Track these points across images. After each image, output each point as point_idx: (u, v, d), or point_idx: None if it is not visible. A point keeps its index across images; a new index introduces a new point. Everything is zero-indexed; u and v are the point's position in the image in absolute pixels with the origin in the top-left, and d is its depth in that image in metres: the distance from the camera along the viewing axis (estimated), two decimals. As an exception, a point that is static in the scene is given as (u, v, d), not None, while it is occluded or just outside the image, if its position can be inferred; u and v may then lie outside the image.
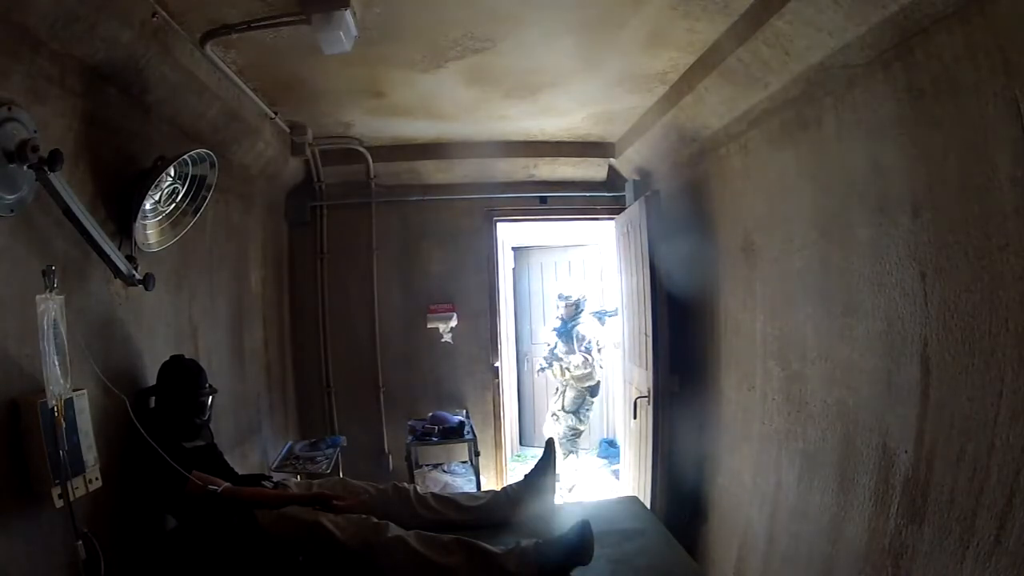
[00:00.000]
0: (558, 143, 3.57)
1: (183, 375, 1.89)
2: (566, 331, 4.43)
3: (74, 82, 1.57)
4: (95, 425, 1.51)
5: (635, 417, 3.16)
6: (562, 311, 4.49)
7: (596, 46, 2.18)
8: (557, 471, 2.13)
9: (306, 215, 3.72)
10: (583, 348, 4.30)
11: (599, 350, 4.46)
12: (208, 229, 2.47)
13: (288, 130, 2.99)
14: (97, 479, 1.50)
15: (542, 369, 4.56)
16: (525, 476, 2.08)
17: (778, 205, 2.13)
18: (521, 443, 5.49)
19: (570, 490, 4.32)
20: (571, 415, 4.38)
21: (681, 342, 2.96)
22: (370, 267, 3.79)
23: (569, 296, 4.53)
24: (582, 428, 4.46)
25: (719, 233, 2.64)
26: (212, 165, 1.97)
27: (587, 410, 4.46)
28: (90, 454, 1.48)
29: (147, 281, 1.79)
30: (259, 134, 2.74)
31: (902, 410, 1.50)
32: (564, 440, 4.35)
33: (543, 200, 3.93)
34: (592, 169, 3.79)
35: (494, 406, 3.97)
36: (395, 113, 2.92)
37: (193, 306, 2.34)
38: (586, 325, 4.45)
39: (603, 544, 1.61)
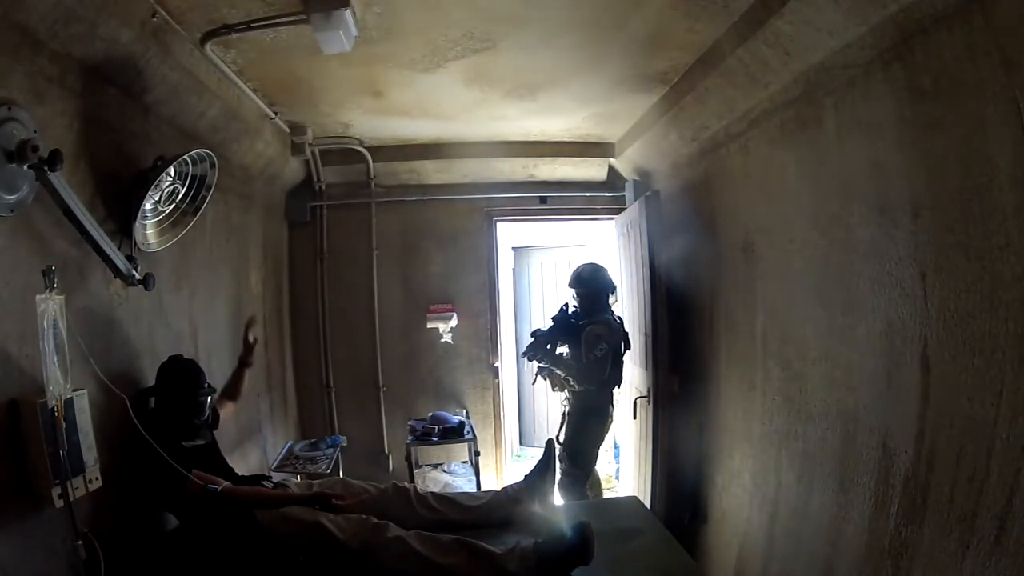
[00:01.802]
0: (558, 143, 3.57)
1: (181, 375, 1.89)
2: (575, 327, 2.96)
3: (74, 82, 1.57)
4: (95, 425, 1.52)
5: (635, 417, 3.16)
6: (579, 301, 3.04)
7: (596, 46, 2.18)
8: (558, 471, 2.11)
9: (306, 215, 3.72)
10: (597, 352, 2.80)
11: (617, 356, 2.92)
12: (208, 229, 2.47)
13: (288, 130, 3.00)
14: (97, 479, 1.50)
15: (534, 380, 3.17)
16: (525, 476, 2.08)
17: (778, 205, 2.13)
18: (521, 443, 5.49)
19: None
20: (565, 451, 2.89)
21: (681, 342, 2.96)
22: (370, 267, 3.79)
23: (593, 269, 3.04)
24: (577, 471, 2.92)
25: (719, 233, 2.64)
26: (212, 165, 1.97)
27: (592, 445, 2.95)
28: (90, 454, 1.48)
29: (147, 281, 1.79)
30: (259, 134, 2.74)
31: (902, 410, 1.50)
32: (560, 486, 2.78)
33: (543, 200, 3.93)
34: (592, 169, 3.79)
35: (494, 406, 3.97)
36: (395, 113, 2.92)
37: (193, 306, 2.34)
38: (606, 323, 2.92)
39: (603, 544, 1.60)
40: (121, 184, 1.78)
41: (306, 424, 3.75)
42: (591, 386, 2.87)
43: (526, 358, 3.04)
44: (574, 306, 3.05)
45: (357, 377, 3.80)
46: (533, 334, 3.05)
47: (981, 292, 1.26)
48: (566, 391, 3.03)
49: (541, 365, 3.05)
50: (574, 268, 3.12)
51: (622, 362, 2.96)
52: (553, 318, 3.06)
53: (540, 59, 2.30)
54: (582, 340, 2.85)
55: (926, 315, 1.42)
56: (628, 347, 3.02)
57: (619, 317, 3.06)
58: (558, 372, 2.96)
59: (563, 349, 3.04)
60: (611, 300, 3.12)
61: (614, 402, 3.03)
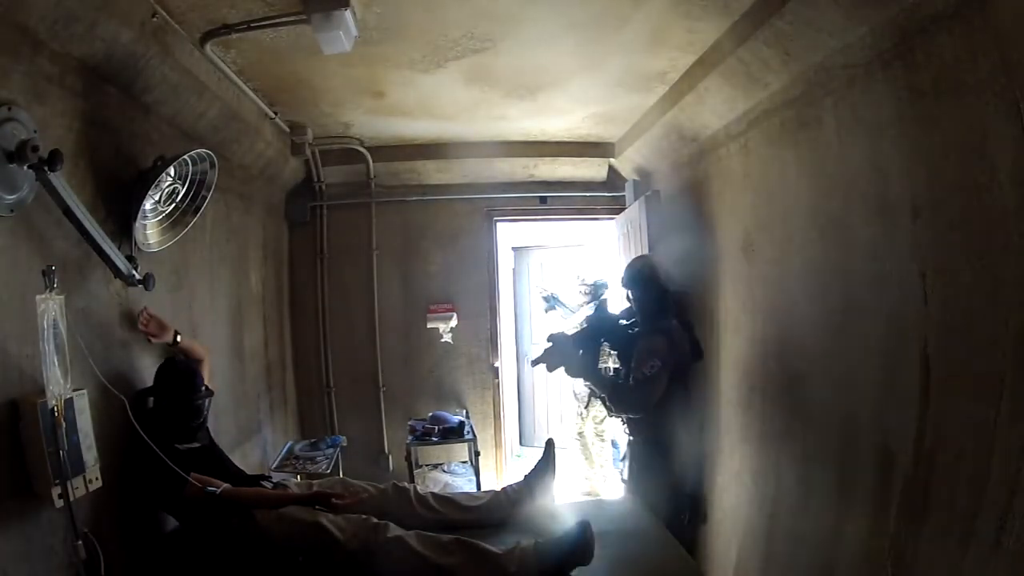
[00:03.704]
0: (558, 143, 3.57)
1: (178, 379, 1.89)
2: (629, 337, 2.41)
3: (74, 82, 1.57)
4: (95, 425, 1.51)
5: (635, 417, 3.14)
6: (634, 304, 2.47)
7: (596, 46, 2.18)
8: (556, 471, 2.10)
9: (306, 215, 3.72)
10: (646, 370, 2.20)
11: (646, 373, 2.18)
12: (208, 229, 2.47)
13: (288, 130, 3.00)
14: (97, 479, 1.50)
15: (586, 404, 2.56)
16: (525, 476, 2.08)
17: (778, 205, 2.13)
18: (521, 443, 5.49)
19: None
20: (634, 496, 2.31)
21: (681, 342, 2.95)
22: (370, 267, 3.79)
23: (645, 264, 2.45)
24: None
25: (719, 233, 2.64)
26: (212, 165, 1.97)
27: (665, 487, 2.32)
28: (90, 454, 1.48)
29: (147, 281, 1.79)
30: (259, 134, 2.74)
31: (902, 410, 1.49)
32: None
33: (543, 200, 3.93)
34: (592, 169, 3.79)
35: (494, 406, 3.97)
36: (395, 113, 2.92)
37: (193, 306, 2.34)
38: (667, 333, 2.29)
39: (603, 544, 1.60)
40: (121, 184, 1.78)
41: (306, 424, 3.75)
42: (633, 413, 2.29)
43: (541, 365, 2.37)
44: (625, 310, 2.47)
45: (357, 377, 3.80)
46: (551, 338, 2.39)
47: (981, 292, 1.26)
48: (585, 425, 2.44)
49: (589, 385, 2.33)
50: (626, 264, 2.52)
51: (688, 380, 2.32)
52: (587, 318, 2.48)
53: (540, 59, 2.30)
54: (634, 354, 2.27)
55: (926, 315, 1.42)
56: (700, 356, 2.42)
57: (686, 321, 2.43)
58: (594, 389, 2.35)
59: (612, 362, 2.42)
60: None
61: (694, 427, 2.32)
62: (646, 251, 2.90)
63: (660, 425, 2.25)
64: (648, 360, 2.17)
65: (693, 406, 2.28)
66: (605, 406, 2.36)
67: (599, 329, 2.43)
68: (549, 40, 2.11)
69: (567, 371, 2.36)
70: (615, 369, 2.39)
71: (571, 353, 2.33)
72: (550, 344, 2.38)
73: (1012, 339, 1.19)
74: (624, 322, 2.39)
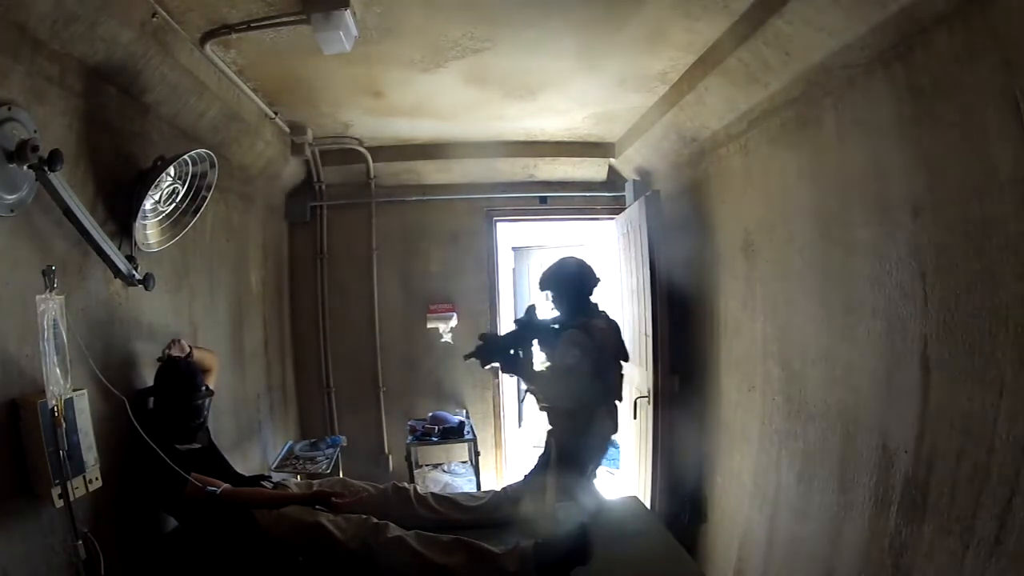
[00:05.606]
0: (558, 143, 3.57)
1: (178, 378, 1.88)
2: (552, 333, 2.44)
3: (74, 82, 1.57)
4: (95, 425, 1.51)
5: (635, 417, 3.15)
6: (555, 303, 2.55)
7: (596, 46, 2.18)
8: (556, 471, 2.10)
9: (306, 215, 3.72)
10: (568, 359, 2.26)
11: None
12: (208, 229, 2.47)
13: (288, 130, 3.00)
14: (97, 479, 1.50)
15: (522, 399, 2.70)
16: (525, 476, 2.08)
17: (778, 205, 2.13)
18: (521, 443, 5.49)
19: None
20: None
21: (681, 342, 2.95)
22: (370, 267, 3.79)
23: (559, 266, 2.56)
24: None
25: (719, 233, 2.64)
26: (212, 165, 1.97)
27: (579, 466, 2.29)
28: (90, 454, 1.48)
29: (147, 281, 1.79)
30: (259, 134, 2.74)
31: (902, 410, 1.50)
32: None
33: (543, 200, 3.93)
34: (592, 169, 3.79)
35: (494, 406, 3.97)
36: (395, 113, 2.92)
37: (193, 306, 2.34)
38: (584, 327, 2.31)
39: (603, 544, 1.60)
40: (121, 184, 1.78)
41: (306, 424, 3.75)
42: (563, 404, 2.30)
43: (475, 359, 2.39)
44: (552, 309, 2.55)
45: (357, 377, 3.80)
46: (482, 337, 2.44)
47: (981, 292, 1.26)
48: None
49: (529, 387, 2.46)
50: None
51: (613, 375, 2.36)
52: (516, 321, 2.53)
53: (540, 59, 2.30)
54: (557, 347, 2.33)
55: (926, 315, 1.42)
56: (624, 357, 2.41)
57: (613, 323, 2.46)
58: (529, 387, 2.45)
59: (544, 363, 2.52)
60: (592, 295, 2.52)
61: (606, 434, 2.35)
62: (646, 252, 2.91)
63: (578, 418, 2.28)
64: (569, 350, 2.25)
65: (611, 403, 2.35)
66: (536, 399, 2.43)
67: (530, 330, 2.47)
68: (549, 40, 2.11)
69: (501, 367, 2.45)
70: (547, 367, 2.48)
71: (501, 350, 2.41)
72: (481, 342, 2.43)
73: (1012, 339, 1.19)
74: (555, 326, 2.47)
